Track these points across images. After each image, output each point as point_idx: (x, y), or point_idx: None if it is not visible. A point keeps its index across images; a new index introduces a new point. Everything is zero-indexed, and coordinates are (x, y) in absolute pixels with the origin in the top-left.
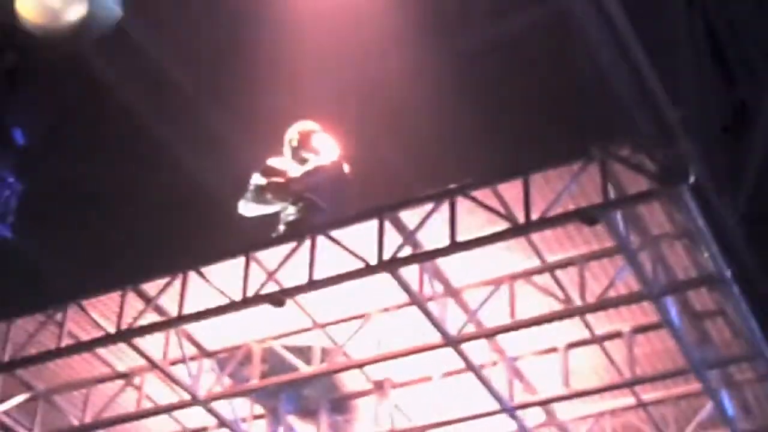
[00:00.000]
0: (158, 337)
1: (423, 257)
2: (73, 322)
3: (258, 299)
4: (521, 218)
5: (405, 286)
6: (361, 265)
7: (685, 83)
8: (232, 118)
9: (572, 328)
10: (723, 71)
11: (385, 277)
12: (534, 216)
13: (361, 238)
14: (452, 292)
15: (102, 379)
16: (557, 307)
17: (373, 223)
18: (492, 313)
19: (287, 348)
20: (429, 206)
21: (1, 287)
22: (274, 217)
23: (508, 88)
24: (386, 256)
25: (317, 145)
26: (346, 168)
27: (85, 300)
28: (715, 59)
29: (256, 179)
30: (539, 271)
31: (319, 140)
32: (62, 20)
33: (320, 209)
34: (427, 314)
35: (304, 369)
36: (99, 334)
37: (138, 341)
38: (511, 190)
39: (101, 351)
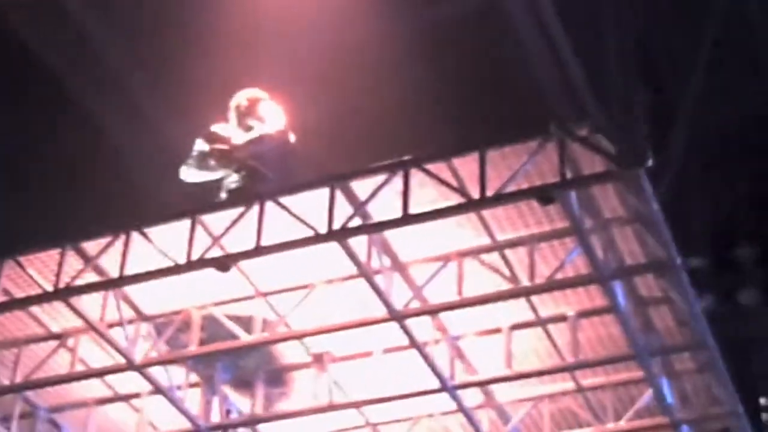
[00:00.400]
0: (96, 298)
1: (374, 228)
2: (9, 279)
3: (203, 263)
4: (476, 194)
5: (353, 257)
6: (310, 233)
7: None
8: (173, 85)
9: (517, 310)
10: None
11: (330, 249)
12: (489, 192)
13: (311, 207)
14: (399, 267)
15: (34, 339)
16: (504, 287)
17: (324, 192)
18: (438, 290)
19: (228, 317)
20: (381, 177)
21: None
22: (217, 184)
23: (468, 62)
24: (336, 226)
25: (263, 114)
26: (293, 137)
27: (22, 256)
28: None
29: (200, 145)
30: (488, 250)
31: (265, 108)
32: None
33: (264, 178)
34: (374, 287)
35: (244, 338)
36: (35, 291)
37: (75, 302)
38: (466, 166)
39: (35, 310)
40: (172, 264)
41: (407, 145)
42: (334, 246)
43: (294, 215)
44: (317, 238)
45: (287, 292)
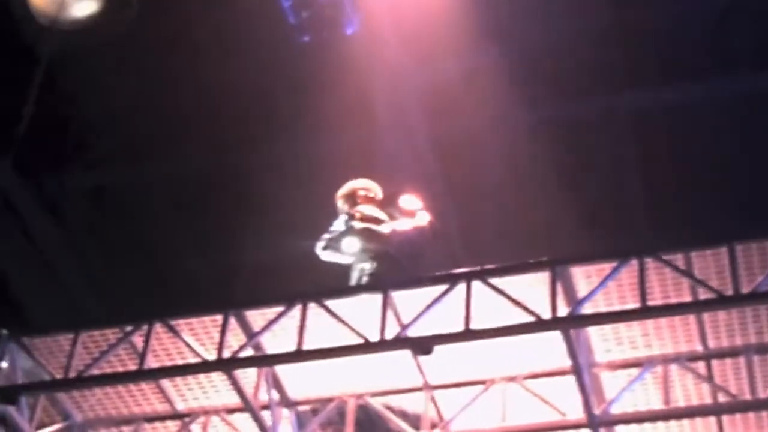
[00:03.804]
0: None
1: (609, 318)
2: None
3: (399, 343)
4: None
5: (572, 350)
6: (528, 319)
7: None
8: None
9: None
10: None
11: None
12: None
13: (523, 292)
14: (598, 366)
15: (154, 417)
16: (709, 398)
17: (539, 277)
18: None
19: (389, 408)
20: (599, 267)
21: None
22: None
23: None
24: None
25: (408, 205)
26: (433, 234)
27: (176, 320)
28: None
29: (345, 223)
30: (697, 358)
31: (410, 200)
32: (70, 14)
33: (398, 269)
34: (582, 386)
35: None
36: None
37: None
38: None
39: (165, 384)
40: (361, 341)
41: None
42: (521, 339)
43: (511, 299)
44: (539, 325)
45: (458, 387)
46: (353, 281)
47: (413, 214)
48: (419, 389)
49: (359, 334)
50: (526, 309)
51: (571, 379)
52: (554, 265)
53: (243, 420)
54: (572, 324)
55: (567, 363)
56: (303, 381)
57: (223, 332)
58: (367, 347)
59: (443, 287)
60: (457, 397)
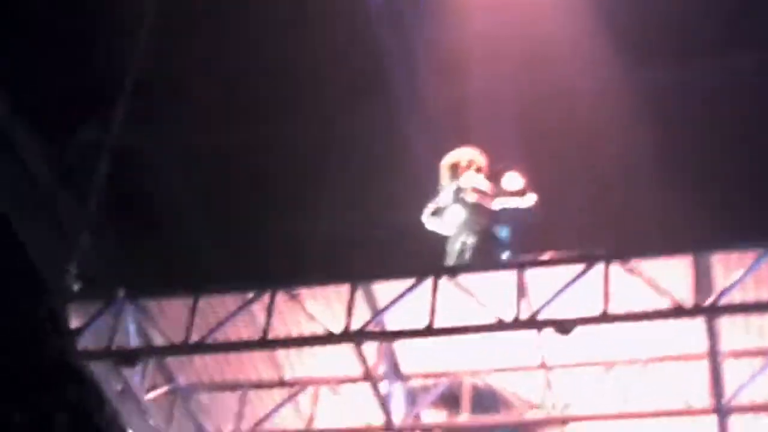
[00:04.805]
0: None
1: (757, 308)
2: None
3: (537, 323)
4: None
5: (713, 336)
6: (667, 304)
7: None
8: None
9: None
10: None
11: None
12: None
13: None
14: (722, 355)
15: (260, 385)
16: None
17: (672, 262)
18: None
19: (503, 387)
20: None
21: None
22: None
23: None
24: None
25: (512, 184)
26: (538, 215)
27: (300, 289)
28: None
29: (454, 193)
30: None
31: (514, 179)
32: None
33: (500, 247)
34: (716, 371)
35: (529, 414)
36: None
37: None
38: None
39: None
40: (493, 320)
41: None
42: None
43: (652, 284)
44: (681, 312)
45: (577, 368)
46: (453, 255)
47: (519, 193)
48: (536, 368)
49: (493, 313)
50: (668, 294)
51: (691, 365)
52: (697, 251)
53: (351, 392)
54: (717, 312)
55: (690, 349)
56: (416, 355)
57: (351, 304)
58: (501, 326)
59: (577, 267)
60: (575, 378)
